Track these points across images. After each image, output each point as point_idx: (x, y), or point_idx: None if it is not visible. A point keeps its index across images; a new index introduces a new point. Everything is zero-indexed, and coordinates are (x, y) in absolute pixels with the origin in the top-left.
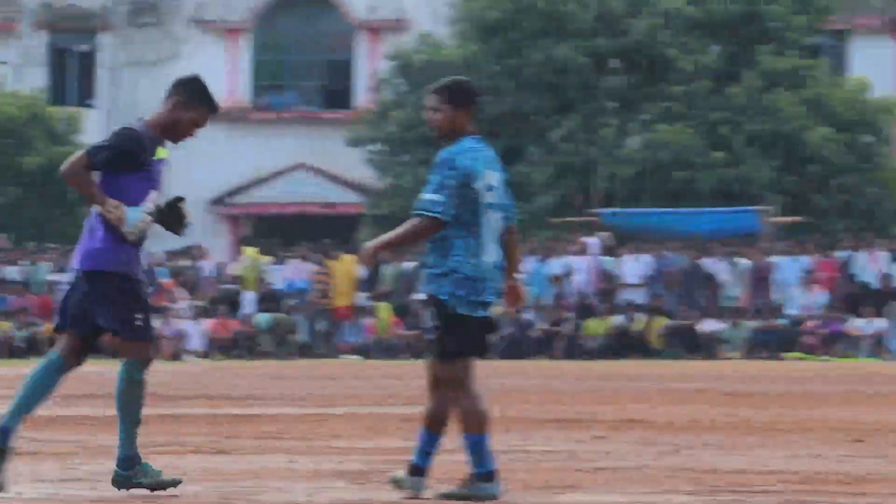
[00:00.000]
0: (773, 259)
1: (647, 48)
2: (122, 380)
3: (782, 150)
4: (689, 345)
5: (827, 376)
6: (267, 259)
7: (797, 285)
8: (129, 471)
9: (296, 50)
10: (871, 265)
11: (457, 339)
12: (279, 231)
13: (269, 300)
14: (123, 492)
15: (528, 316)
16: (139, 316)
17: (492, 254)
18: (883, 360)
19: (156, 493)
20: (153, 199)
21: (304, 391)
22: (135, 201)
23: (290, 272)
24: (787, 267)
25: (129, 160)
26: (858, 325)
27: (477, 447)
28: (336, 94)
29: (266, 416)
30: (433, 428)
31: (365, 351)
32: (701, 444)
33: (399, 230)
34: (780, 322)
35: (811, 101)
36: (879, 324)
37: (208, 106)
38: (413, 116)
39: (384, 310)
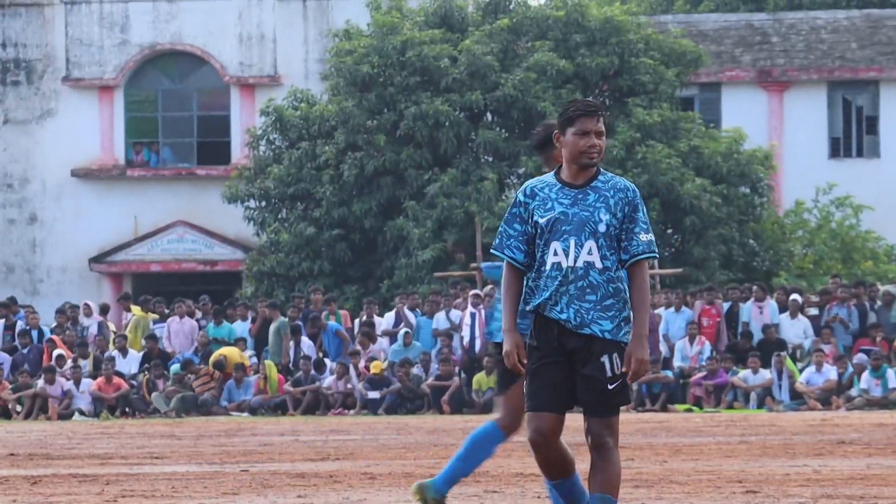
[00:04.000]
0: (659, 311)
1: (520, 102)
2: None
3: (659, 202)
4: None
5: (716, 428)
6: (153, 317)
7: (682, 337)
8: None
9: (169, 106)
10: (755, 316)
11: (629, 388)
12: (160, 289)
13: (158, 358)
14: None
15: (416, 371)
16: None
17: None
18: (770, 410)
19: None
20: None
21: (196, 449)
22: None
23: (173, 330)
24: (672, 319)
25: None
26: (745, 377)
27: None
28: (212, 151)
29: (160, 475)
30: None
31: (253, 409)
32: None
33: (645, 303)
34: (667, 374)
35: (686, 154)
36: (765, 374)
37: None
38: (290, 172)
39: (271, 367)
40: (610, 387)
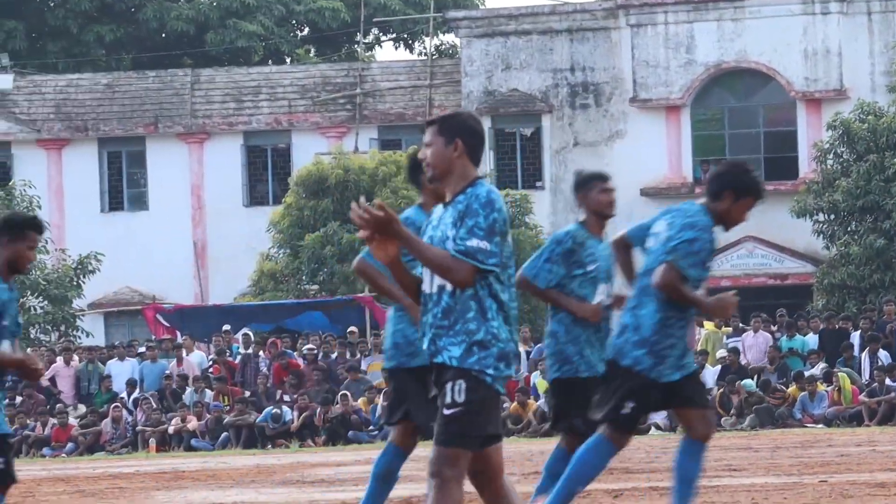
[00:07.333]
0: None
1: None
2: None
3: None
4: None
5: None
6: (726, 331)
7: None
8: None
9: (736, 123)
10: None
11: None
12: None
13: (735, 373)
14: None
15: None
16: None
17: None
18: None
19: None
20: None
21: (773, 460)
22: None
23: (748, 344)
24: None
25: None
26: None
27: None
28: (779, 166)
29: (739, 486)
30: None
31: (828, 420)
32: None
33: (431, 251)
34: None
35: None
36: None
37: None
38: (858, 184)
39: (844, 379)
40: (446, 412)
